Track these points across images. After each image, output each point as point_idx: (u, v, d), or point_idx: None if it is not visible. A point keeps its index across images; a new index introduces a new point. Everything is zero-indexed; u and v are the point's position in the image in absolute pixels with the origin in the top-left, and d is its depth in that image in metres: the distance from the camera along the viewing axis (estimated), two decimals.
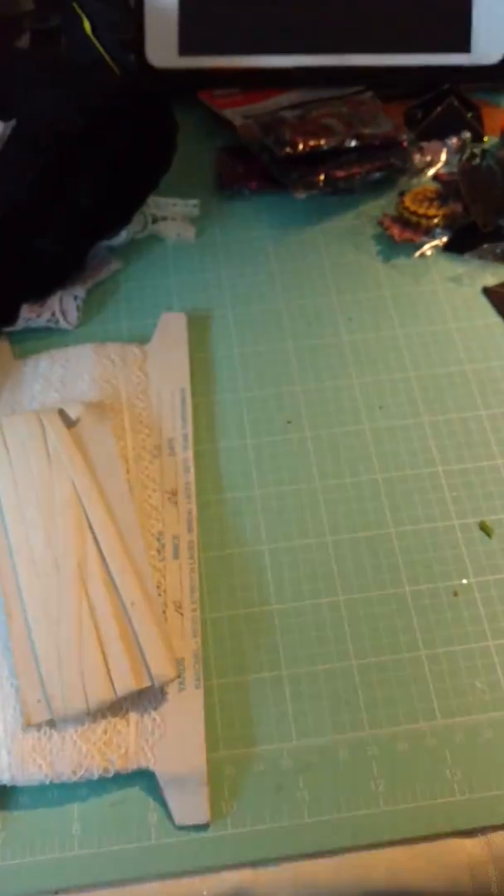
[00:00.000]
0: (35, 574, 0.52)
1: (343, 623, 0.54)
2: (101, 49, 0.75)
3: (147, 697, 0.50)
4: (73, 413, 0.58)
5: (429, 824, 0.47)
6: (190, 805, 0.48)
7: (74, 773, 0.48)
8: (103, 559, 0.52)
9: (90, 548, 0.52)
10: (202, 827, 0.47)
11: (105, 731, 0.49)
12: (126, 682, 0.48)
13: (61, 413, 0.58)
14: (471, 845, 0.47)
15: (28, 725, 0.48)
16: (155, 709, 0.50)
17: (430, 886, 0.47)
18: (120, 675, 0.48)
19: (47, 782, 0.48)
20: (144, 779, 0.49)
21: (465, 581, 0.55)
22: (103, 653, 0.49)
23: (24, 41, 0.84)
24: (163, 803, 0.48)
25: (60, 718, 0.48)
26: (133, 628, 0.50)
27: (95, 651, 0.49)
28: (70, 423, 0.58)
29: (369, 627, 0.54)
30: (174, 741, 0.49)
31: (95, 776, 0.48)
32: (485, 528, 0.57)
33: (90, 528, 0.53)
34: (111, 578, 0.51)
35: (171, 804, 0.48)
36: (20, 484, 0.55)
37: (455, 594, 0.55)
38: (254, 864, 0.47)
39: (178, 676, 0.50)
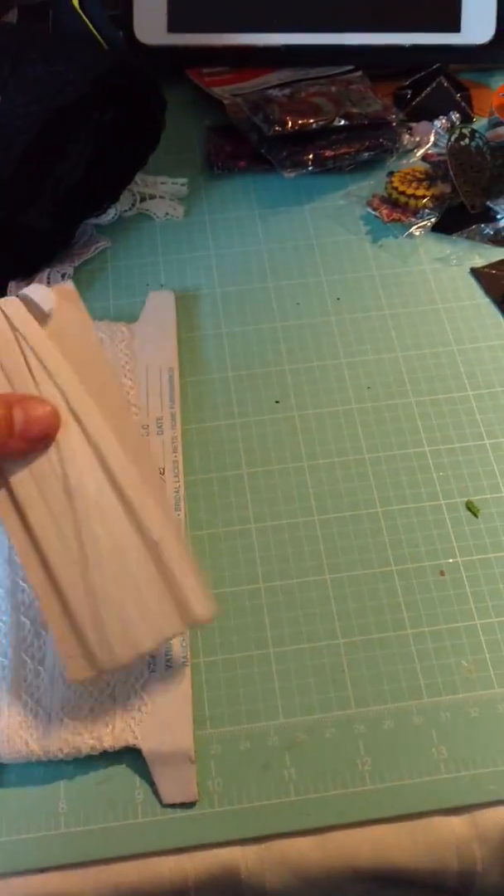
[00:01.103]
0: (48, 515, 0.44)
1: (330, 601, 0.54)
2: (89, 24, 0.74)
3: (134, 675, 0.50)
4: (45, 304, 0.46)
5: (415, 802, 0.48)
6: (177, 783, 0.48)
7: (61, 750, 0.48)
8: (118, 489, 0.44)
9: (101, 476, 0.44)
10: (189, 805, 0.47)
11: (92, 709, 0.49)
12: (171, 626, 0.44)
13: (29, 305, 0.46)
14: (457, 823, 0.47)
15: (74, 682, 0.45)
16: (142, 686, 0.50)
17: (415, 864, 0.47)
18: (163, 618, 0.43)
19: (33, 759, 0.48)
20: (131, 756, 0.48)
21: (451, 560, 0.55)
22: (142, 596, 0.43)
23: (11, 16, 0.83)
24: (150, 781, 0.48)
25: (108, 670, 0.44)
26: (166, 566, 0.44)
27: (133, 594, 0.43)
28: (43, 319, 0.46)
29: (356, 606, 0.54)
30: (161, 719, 0.49)
31: (82, 754, 0.48)
32: (471, 508, 0.58)
33: (97, 452, 0.44)
34: (133, 511, 0.44)
35: (158, 782, 0.48)
36: None
37: (441, 573, 0.55)
38: (241, 842, 0.47)
39: (217, 614, 0.45)
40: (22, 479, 0.44)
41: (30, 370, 0.45)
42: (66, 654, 0.43)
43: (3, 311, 0.45)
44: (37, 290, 0.45)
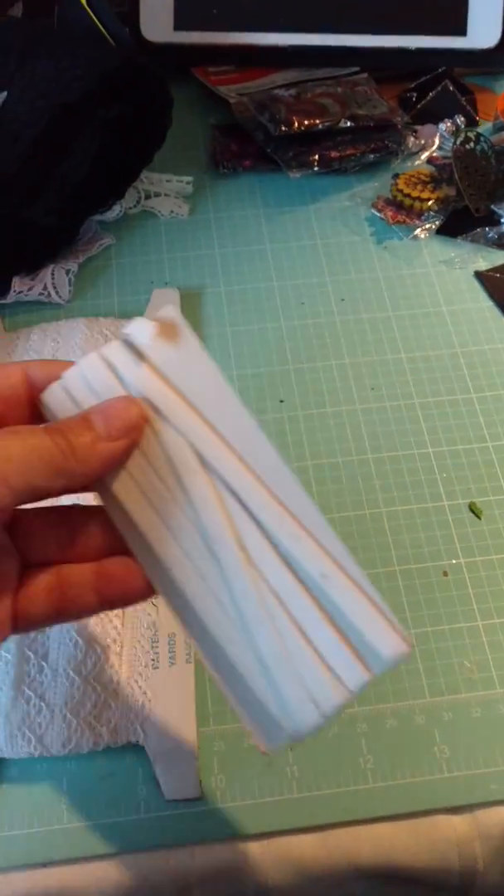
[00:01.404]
0: (195, 575, 0.38)
1: None
2: (96, 20, 0.74)
3: (137, 672, 0.50)
4: (142, 338, 0.39)
5: (417, 801, 0.48)
6: (180, 779, 0.48)
7: (64, 746, 0.48)
8: (263, 529, 0.38)
9: (242, 519, 0.38)
10: (192, 801, 0.47)
11: (95, 706, 0.49)
12: (357, 675, 0.36)
13: (131, 345, 0.39)
14: (458, 822, 0.48)
15: (267, 755, 0.40)
16: (145, 683, 0.50)
17: (417, 862, 0.47)
18: (345, 669, 0.36)
19: (36, 755, 0.48)
20: (134, 753, 0.49)
21: (454, 561, 0.56)
22: (314, 647, 0.37)
23: (16, 10, 0.83)
24: (152, 777, 0.48)
25: (298, 739, 0.37)
26: (336, 605, 0.37)
27: (304, 647, 0.37)
28: (147, 356, 0.39)
29: None
30: (164, 716, 0.49)
31: (85, 750, 0.48)
32: (474, 510, 0.58)
33: (231, 492, 0.38)
34: (285, 550, 0.37)
35: (161, 778, 0.48)
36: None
37: (444, 574, 0.55)
38: (243, 838, 0.47)
39: (412, 646, 0.37)
40: (162, 540, 0.38)
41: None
42: (252, 731, 0.37)
43: (105, 360, 0.39)
44: (136, 326, 0.39)
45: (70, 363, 0.39)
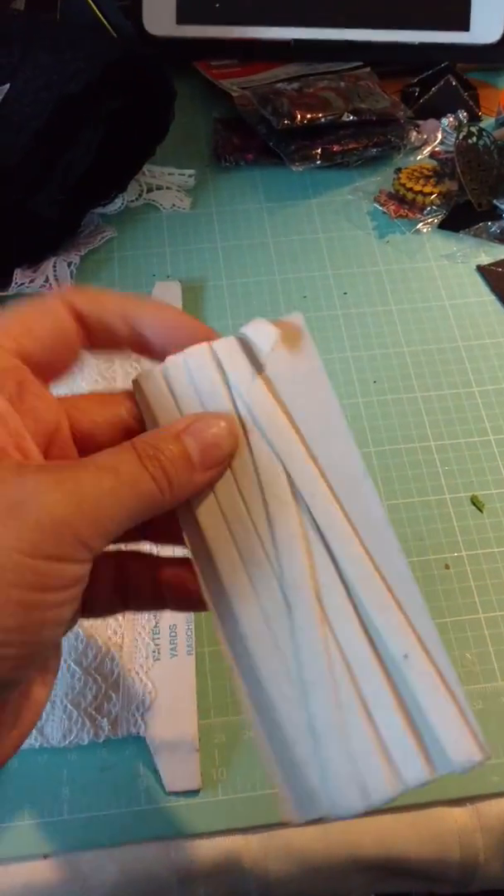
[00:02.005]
0: (261, 619, 0.34)
1: None
2: (98, 14, 0.74)
3: (138, 663, 0.50)
4: (262, 343, 0.35)
5: (418, 793, 0.46)
6: (180, 771, 0.48)
7: (64, 738, 0.48)
8: (349, 587, 0.33)
9: (327, 572, 0.34)
10: (192, 793, 0.47)
11: (96, 697, 0.49)
12: (416, 771, 0.32)
13: (246, 347, 0.36)
14: (459, 814, 0.48)
15: (290, 825, 0.35)
16: (146, 675, 0.50)
17: (418, 854, 0.47)
18: (405, 761, 0.32)
19: (37, 746, 0.48)
20: (135, 744, 0.48)
21: (456, 554, 0.56)
22: (375, 728, 0.32)
23: (19, 3, 0.83)
24: (153, 769, 0.48)
25: (334, 817, 0.33)
26: (411, 691, 0.32)
27: (365, 727, 0.32)
28: (262, 363, 0.35)
29: None
30: (165, 708, 0.49)
31: (85, 742, 0.48)
32: (476, 503, 0.58)
33: (322, 541, 0.34)
34: (367, 617, 0.33)
35: (162, 770, 0.48)
36: None
37: (446, 567, 0.55)
38: (243, 830, 0.47)
39: (488, 757, 0.32)
40: (231, 565, 0.35)
41: (244, 429, 0.35)
42: (281, 795, 0.33)
43: (215, 357, 0.35)
44: (257, 328, 0.36)
45: (125, 300, 0.35)
